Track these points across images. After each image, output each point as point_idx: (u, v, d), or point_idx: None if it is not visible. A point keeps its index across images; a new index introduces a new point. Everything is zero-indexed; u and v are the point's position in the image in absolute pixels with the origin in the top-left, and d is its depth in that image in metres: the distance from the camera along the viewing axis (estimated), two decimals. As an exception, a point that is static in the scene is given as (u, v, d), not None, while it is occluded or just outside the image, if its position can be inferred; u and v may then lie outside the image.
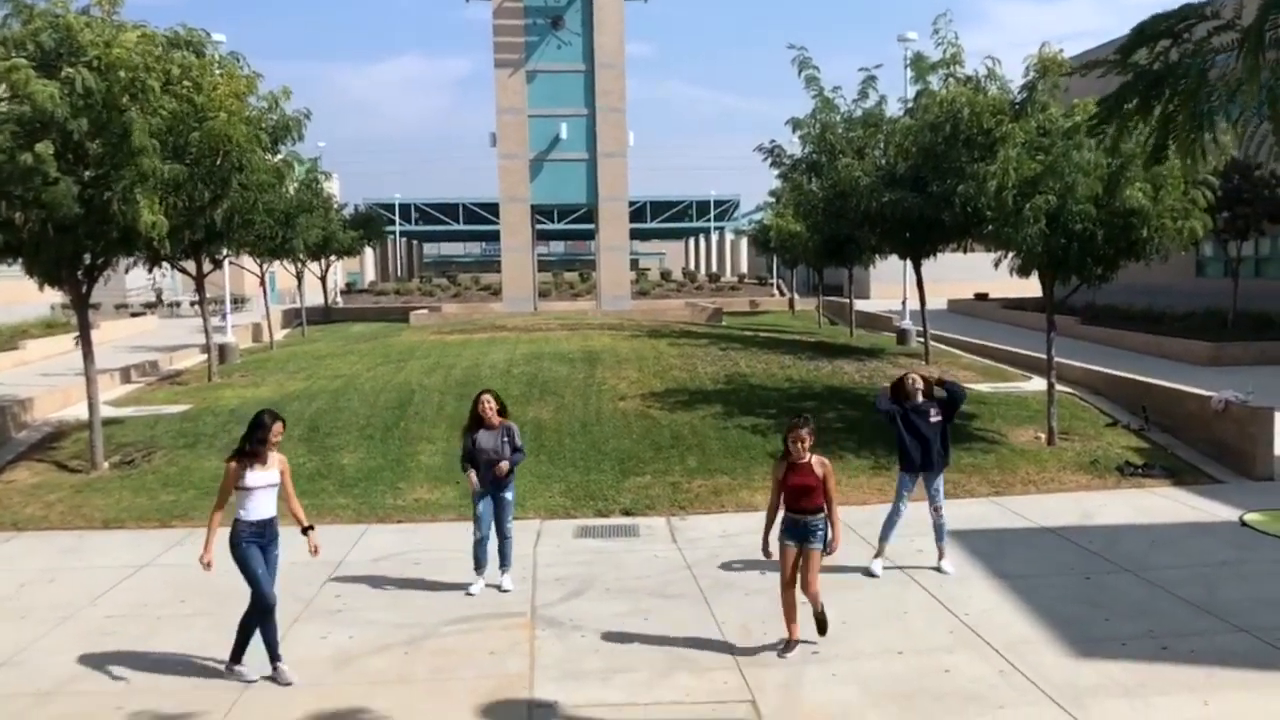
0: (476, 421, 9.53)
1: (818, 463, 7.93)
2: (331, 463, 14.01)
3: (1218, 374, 20.77)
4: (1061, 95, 15.58)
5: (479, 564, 9.57)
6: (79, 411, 16.17)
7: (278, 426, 7.64)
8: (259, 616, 7.60)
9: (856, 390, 17.94)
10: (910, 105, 19.65)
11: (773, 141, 23.36)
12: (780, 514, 8.06)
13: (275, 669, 7.58)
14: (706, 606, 9.07)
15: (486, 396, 9.61)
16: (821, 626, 8.03)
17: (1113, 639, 8.09)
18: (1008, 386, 18.89)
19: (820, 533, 7.91)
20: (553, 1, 38.00)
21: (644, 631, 8.39)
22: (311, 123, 16.36)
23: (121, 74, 11.95)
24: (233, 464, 7.60)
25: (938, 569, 9.86)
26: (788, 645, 7.95)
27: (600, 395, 16.98)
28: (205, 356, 22.94)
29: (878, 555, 9.96)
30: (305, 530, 7.82)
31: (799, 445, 7.86)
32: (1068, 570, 9.92)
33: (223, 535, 7.63)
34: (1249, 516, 11.70)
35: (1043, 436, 15.07)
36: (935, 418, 9.83)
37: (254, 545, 7.56)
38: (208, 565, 7.55)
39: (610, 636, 8.31)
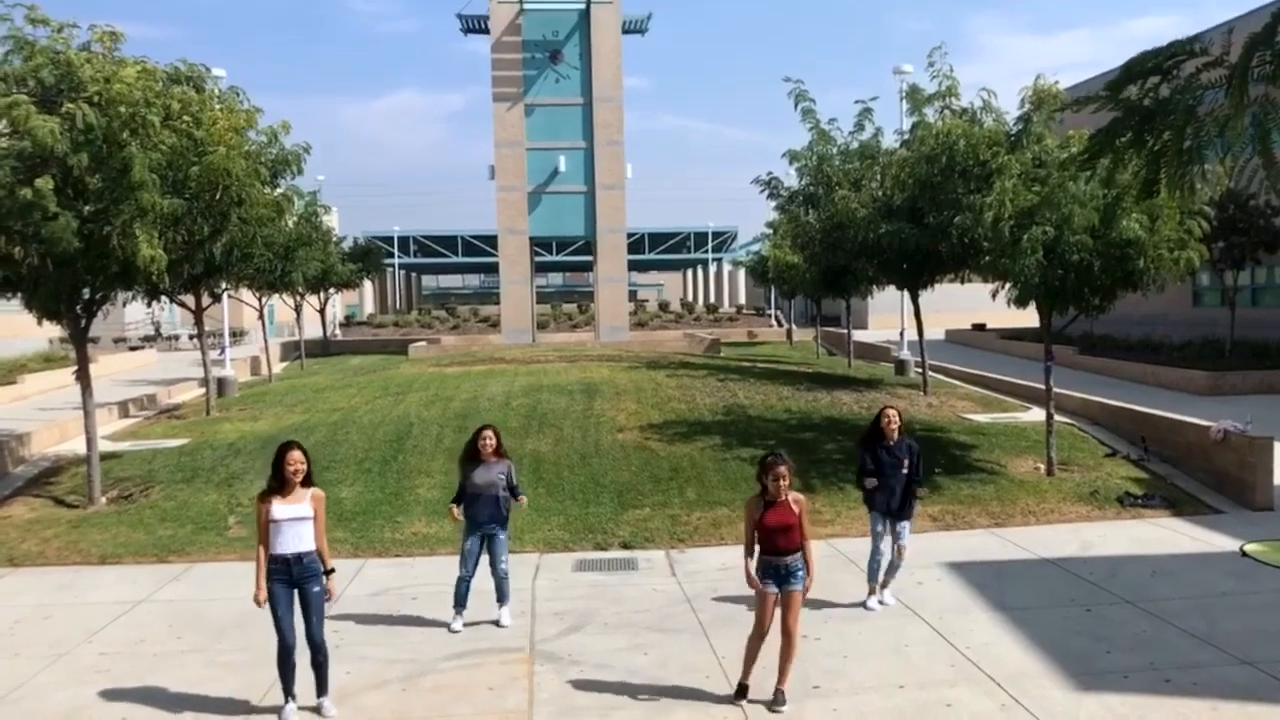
0: (473, 455, 9.48)
1: (794, 500, 7.64)
2: (329, 496, 13.90)
3: (1216, 403, 20.77)
4: (1057, 127, 15.71)
5: (459, 601, 9.45)
6: (76, 446, 16.15)
7: (292, 455, 7.46)
8: (280, 655, 7.44)
9: (856, 421, 17.91)
10: (906, 137, 19.78)
11: (770, 174, 23.50)
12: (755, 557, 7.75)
13: (284, 707, 7.43)
14: (706, 640, 9.03)
15: (487, 433, 9.54)
16: (779, 701, 7.48)
17: (1115, 671, 8.05)
18: (1006, 417, 18.88)
19: (800, 572, 7.63)
20: (551, 36, 38.32)
21: (643, 666, 8.34)
22: (311, 156, 16.48)
23: (122, 109, 12.02)
24: (260, 501, 7.50)
25: (880, 601, 9.87)
26: (741, 691, 7.63)
27: (599, 427, 16.96)
28: (204, 390, 22.93)
29: (871, 594, 9.94)
30: (327, 572, 7.60)
31: (779, 483, 7.55)
32: (1068, 602, 9.88)
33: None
34: (1249, 547, 11.67)
35: (1042, 467, 15.05)
36: (905, 469, 9.82)
37: (280, 584, 7.40)
38: (260, 603, 7.41)
39: (609, 671, 8.25)
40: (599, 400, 18.98)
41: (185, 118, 13.01)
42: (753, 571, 7.67)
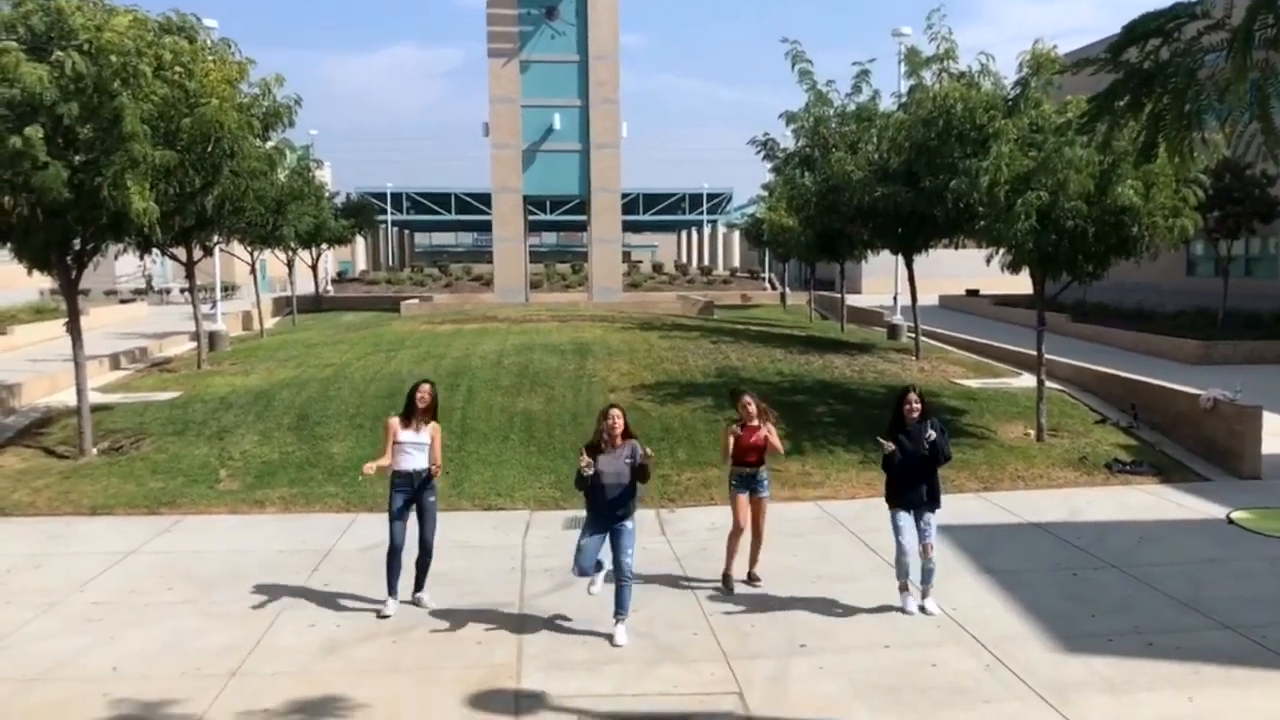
0: (599, 441, 8.38)
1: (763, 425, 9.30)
2: (321, 451, 13.99)
3: (1207, 372, 20.85)
4: (1055, 92, 15.62)
5: (587, 571, 8.43)
6: (67, 397, 16.12)
7: (423, 387, 8.97)
8: (389, 555, 8.78)
9: (847, 385, 17.97)
10: (904, 100, 19.67)
11: (766, 134, 23.42)
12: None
13: (386, 601, 8.75)
14: (695, 598, 9.10)
15: (615, 412, 8.45)
16: (754, 580, 9.53)
17: (1099, 635, 8.13)
18: (997, 383, 18.94)
19: (765, 481, 9.49)
20: (547, -9, 37.90)
21: (631, 623, 8.37)
22: (304, 111, 16.30)
23: (113, 58, 11.87)
24: (391, 420, 8.97)
25: (921, 608, 8.72)
26: (726, 580, 9.39)
27: (591, 387, 16.97)
28: (195, 344, 22.87)
29: (903, 590, 8.83)
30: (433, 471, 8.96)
31: (748, 411, 9.26)
32: (1055, 566, 9.96)
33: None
34: (1236, 514, 11.76)
35: (1032, 433, 15.11)
36: (926, 451, 8.72)
37: (400, 493, 8.79)
38: (369, 471, 8.85)
39: (598, 627, 8.30)
40: (591, 360, 18.99)
41: (177, 68, 12.87)
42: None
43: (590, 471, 8.15)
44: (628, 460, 8.26)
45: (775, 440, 9.42)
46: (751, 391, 9.69)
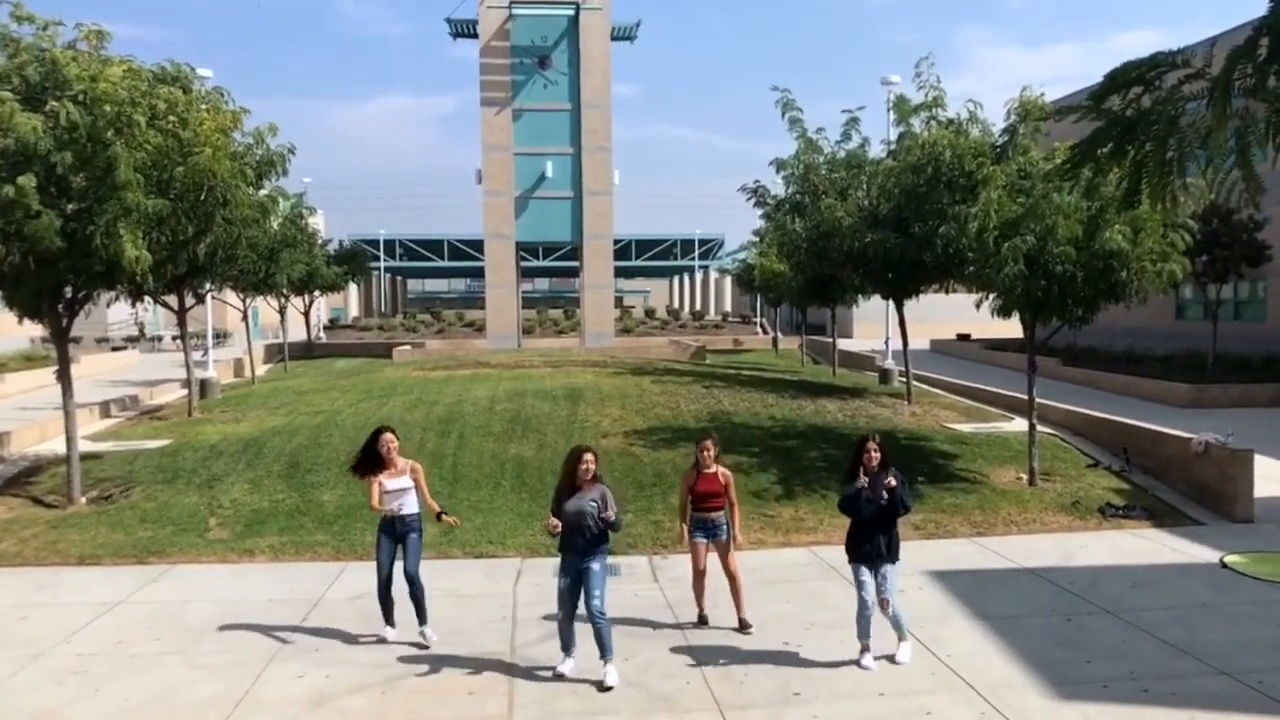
0: (573, 482, 8.33)
1: (721, 473, 9.48)
2: (311, 499, 13.91)
3: (1198, 416, 20.90)
4: (1043, 139, 15.79)
5: (565, 646, 8.48)
6: (57, 446, 16.05)
7: (385, 436, 9.17)
8: (379, 591, 9.16)
9: (839, 429, 17.95)
10: (893, 147, 19.85)
11: (757, 181, 23.56)
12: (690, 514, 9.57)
13: (386, 629, 9.24)
14: (688, 646, 9.02)
15: (588, 456, 8.39)
16: (746, 627, 9.43)
17: (1094, 681, 8.08)
18: (989, 427, 18.94)
19: (725, 525, 9.48)
20: (539, 41, 38.33)
21: (623, 672, 8.31)
22: (298, 158, 16.45)
23: (107, 108, 11.98)
24: (366, 477, 9.16)
25: (890, 658, 8.55)
26: (701, 620, 9.64)
27: (583, 433, 16.93)
28: (186, 391, 22.82)
29: (864, 651, 8.52)
30: (439, 516, 9.30)
31: (706, 454, 9.46)
32: (1049, 611, 9.91)
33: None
34: (1229, 558, 11.73)
35: (1024, 477, 15.09)
36: (884, 500, 8.56)
37: (385, 535, 9.11)
38: (374, 507, 9.12)
39: (590, 676, 8.23)
40: (583, 406, 18.97)
41: (171, 118, 12.99)
42: (685, 533, 9.59)
43: (557, 533, 8.35)
44: (593, 502, 8.22)
45: (734, 494, 9.63)
46: (714, 436, 9.86)
